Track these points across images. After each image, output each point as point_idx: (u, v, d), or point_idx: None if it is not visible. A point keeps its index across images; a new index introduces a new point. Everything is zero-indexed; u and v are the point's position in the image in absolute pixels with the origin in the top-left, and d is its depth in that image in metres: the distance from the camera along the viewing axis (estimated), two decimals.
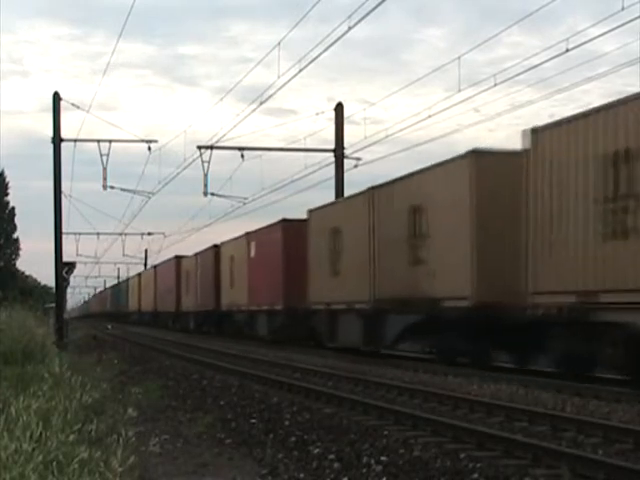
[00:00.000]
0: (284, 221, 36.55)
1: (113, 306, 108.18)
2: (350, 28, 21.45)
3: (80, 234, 66.15)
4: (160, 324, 69.20)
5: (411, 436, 11.77)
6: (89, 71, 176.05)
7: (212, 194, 38.34)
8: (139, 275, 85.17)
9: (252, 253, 40.98)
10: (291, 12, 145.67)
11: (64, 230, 38.74)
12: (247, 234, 41.88)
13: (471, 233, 21.79)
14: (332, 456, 10.22)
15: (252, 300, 40.73)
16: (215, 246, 49.99)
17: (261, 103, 30.86)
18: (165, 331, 59.85)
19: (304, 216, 34.28)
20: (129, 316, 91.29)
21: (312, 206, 33.88)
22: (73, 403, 11.53)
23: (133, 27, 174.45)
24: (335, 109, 37.62)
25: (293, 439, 11.47)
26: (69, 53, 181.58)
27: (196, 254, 55.04)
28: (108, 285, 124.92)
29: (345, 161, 37.12)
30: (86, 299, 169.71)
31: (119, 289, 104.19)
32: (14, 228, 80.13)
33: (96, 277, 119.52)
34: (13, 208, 79.31)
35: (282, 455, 10.46)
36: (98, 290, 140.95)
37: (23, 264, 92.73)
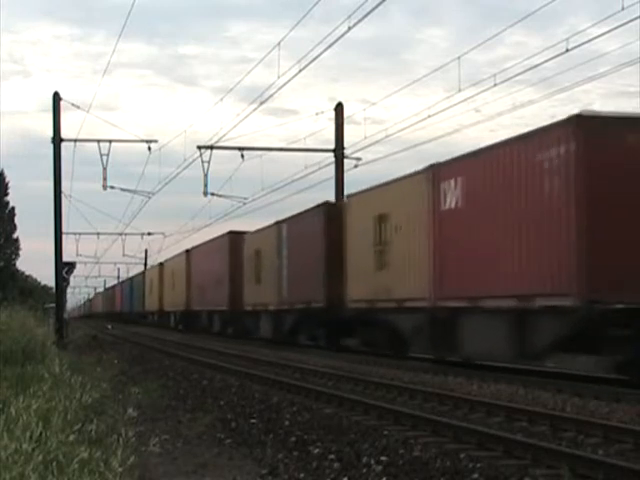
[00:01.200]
0: (579, 118, 18.07)
1: (124, 305, 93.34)
2: (350, 28, 21.45)
3: (80, 234, 66.19)
4: (198, 328, 52.37)
5: (411, 436, 11.77)
6: (90, 71, 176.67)
7: (212, 194, 38.28)
8: (161, 265, 69.17)
9: (452, 202, 22.43)
10: (292, 12, 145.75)
11: (64, 230, 38.76)
12: (432, 167, 23.54)
13: None
14: (332, 456, 10.21)
15: (446, 289, 22.59)
16: (329, 204, 32.22)
17: (261, 103, 30.87)
18: (166, 331, 59.10)
19: None
20: (146, 317, 76.82)
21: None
22: (73, 403, 11.53)
23: (134, 27, 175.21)
24: (335, 109, 37.61)
25: (293, 439, 11.47)
26: (70, 53, 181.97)
27: (279, 222, 36.60)
28: (109, 284, 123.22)
29: (345, 161, 37.13)
30: (89, 297, 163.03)
31: (132, 285, 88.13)
32: (14, 228, 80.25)
33: (96, 277, 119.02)
34: (13, 208, 79.52)
35: (282, 455, 10.45)
36: (103, 288, 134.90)
37: (23, 264, 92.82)
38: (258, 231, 40.76)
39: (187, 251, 57.29)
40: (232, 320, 44.63)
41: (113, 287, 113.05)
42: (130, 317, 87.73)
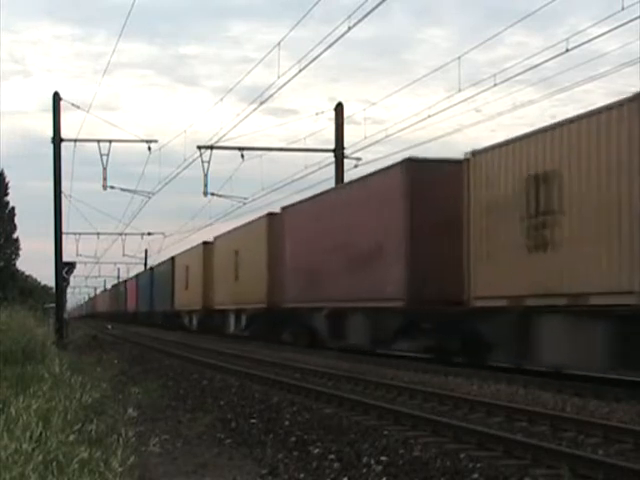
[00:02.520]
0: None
1: (141, 304, 77.20)
2: (350, 28, 21.46)
3: (80, 234, 66.18)
4: (299, 338, 34.05)
5: (411, 436, 11.77)
6: (91, 71, 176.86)
7: (212, 194, 38.14)
8: (206, 245, 51.57)
9: None
10: (293, 12, 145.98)
11: (64, 230, 38.75)
12: None
13: None
14: (332, 456, 10.21)
15: None
16: None
17: (261, 103, 30.85)
18: (166, 332, 58.67)
19: None
20: (177, 318, 59.05)
21: None
22: (73, 403, 11.53)
23: (135, 27, 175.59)
24: (335, 109, 37.61)
25: (293, 439, 11.46)
26: (71, 53, 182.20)
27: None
28: (109, 284, 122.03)
29: (345, 161, 37.14)
30: (90, 296, 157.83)
31: (153, 277, 71.20)
32: (14, 228, 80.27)
33: (96, 277, 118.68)
34: (13, 208, 79.54)
35: (282, 455, 10.45)
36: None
37: (23, 264, 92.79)
38: (534, 134, 19.83)
39: (271, 215, 37.83)
40: (415, 327, 24.74)
41: (124, 282, 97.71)
42: (150, 319, 71.69)
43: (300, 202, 34.51)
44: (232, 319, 43.74)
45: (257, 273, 38.59)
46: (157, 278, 68.93)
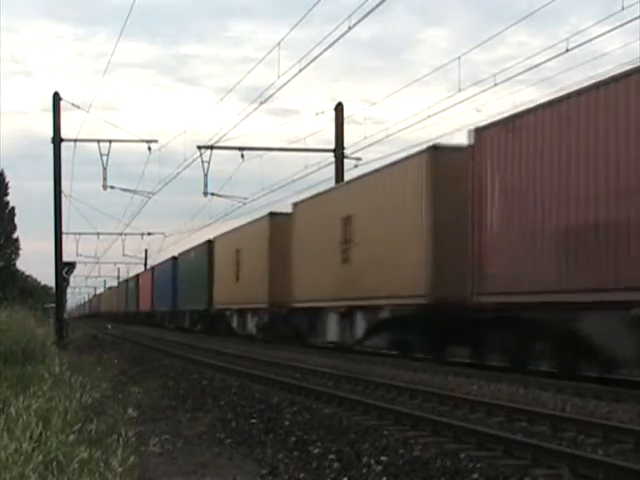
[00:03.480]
0: None
1: (159, 302, 64.91)
2: (350, 28, 21.48)
3: (80, 234, 66.15)
4: None
5: (411, 436, 11.76)
6: (92, 71, 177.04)
7: (212, 194, 38.06)
8: (274, 217, 38.14)
9: None
10: (295, 12, 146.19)
11: (64, 230, 38.77)
12: None
13: None
14: (332, 456, 10.21)
15: None
16: None
17: (261, 103, 30.88)
18: (166, 331, 58.66)
19: None
20: (213, 321, 47.79)
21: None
22: (73, 403, 11.52)
23: (137, 27, 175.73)
24: (335, 109, 37.63)
25: (293, 439, 11.46)
26: (72, 53, 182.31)
27: None
28: (109, 284, 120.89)
29: (345, 161, 37.15)
30: (93, 294, 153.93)
31: (176, 269, 58.83)
32: (14, 228, 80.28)
33: (96, 277, 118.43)
34: (13, 208, 79.54)
35: (282, 455, 10.45)
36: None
37: (23, 264, 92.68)
38: None
39: (437, 149, 23.58)
40: None
41: (136, 276, 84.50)
42: (172, 320, 60.32)
43: (535, 107, 19.34)
44: (334, 322, 30.12)
45: (404, 247, 24.47)
46: (184, 269, 55.82)
